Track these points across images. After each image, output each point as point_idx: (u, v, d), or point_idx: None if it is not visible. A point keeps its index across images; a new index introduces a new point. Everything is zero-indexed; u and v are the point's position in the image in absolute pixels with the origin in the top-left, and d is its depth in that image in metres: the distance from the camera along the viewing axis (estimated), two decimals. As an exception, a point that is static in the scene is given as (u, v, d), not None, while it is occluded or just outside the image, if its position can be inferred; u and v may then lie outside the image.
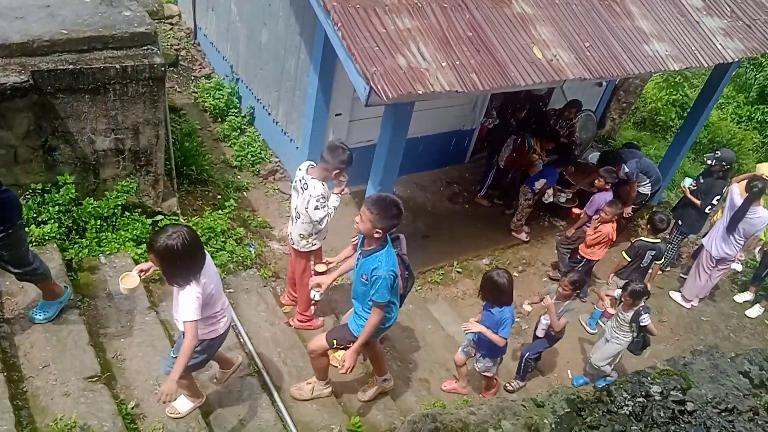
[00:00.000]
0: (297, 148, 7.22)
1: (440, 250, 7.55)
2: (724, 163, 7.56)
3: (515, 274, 7.70)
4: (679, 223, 8.02)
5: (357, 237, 4.53)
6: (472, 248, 7.76)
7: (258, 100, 7.99)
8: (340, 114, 7.06)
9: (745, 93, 15.59)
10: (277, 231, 6.96)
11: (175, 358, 3.72)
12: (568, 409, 2.35)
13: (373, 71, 4.64)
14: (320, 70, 6.23)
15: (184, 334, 3.63)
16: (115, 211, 5.55)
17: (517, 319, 7.06)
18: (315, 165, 4.88)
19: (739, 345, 7.44)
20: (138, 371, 4.53)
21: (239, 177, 7.54)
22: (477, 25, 5.46)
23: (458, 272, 7.39)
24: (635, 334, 5.80)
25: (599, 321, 7.03)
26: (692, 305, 7.91)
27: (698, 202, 7.65)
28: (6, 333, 4.42)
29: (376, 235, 4.01)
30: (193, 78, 8.85)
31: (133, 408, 4.26)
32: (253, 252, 6.26)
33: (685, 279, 8.06)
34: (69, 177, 5.32)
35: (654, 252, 6.65)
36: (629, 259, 6.72)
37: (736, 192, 7.15)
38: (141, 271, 3.93)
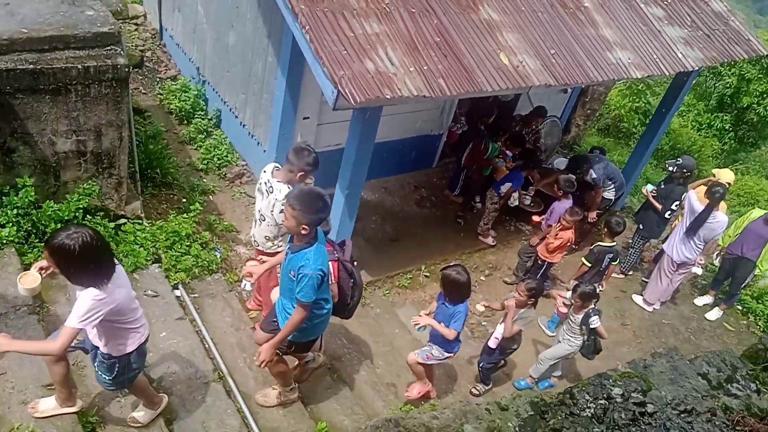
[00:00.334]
0: (264, 151, 7.17)
1: (408, 254, 7.57)
2: (685, 170, 7.75)
3: (482, 278, 7.77)
4: (641, 227, 8.20)
5: None
6: (440, 252, 7.79)
7: (225, 102, 7.91)
8: (308, 117, 7.03)
9: (705, 101, 16.03)
10: (244, 235, 6.89)
11: (110, 378, 3.68)
12: (532, 412, 2.37)
13: (341, 75, 4.64)
14: (288, 73, 6.20)
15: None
16: (77, 214, 5.43)
17: (483, 323, 7.13)
18: (280, 167, 4.85)
19: (699, 347, 7.61)
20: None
21: (205, 180, 7.45)
22: (445, 30, 5.50)
23: (426, 276, 7.41)
24: (586, 337, 5.87)
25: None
26: (654, 308, 8.07)
27: (660, 207, 7.83)
28: (-40, 340, 4.28)
29: (303, 232, 3.84)
30: (158, 80, 8.73)
31: (93, 416, 4.17)
32: (218, 256, 6.19)
33: (647, 283, 8.21)
34: (28, 179, 5.19)
35: (611, 255, 6.85)
36: (589, 265, 6.85)
37: (694, 198, 7.32)
38: (41, 269, 3.61)
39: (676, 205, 7.76)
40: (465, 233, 8.22)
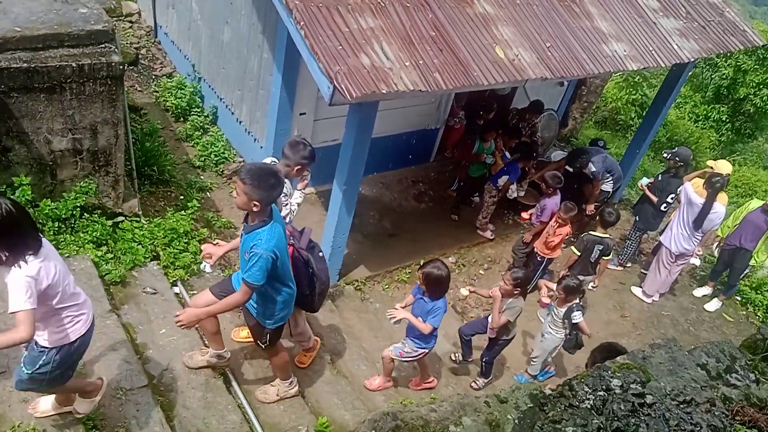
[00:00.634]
0: (261, 147, 7.16)
1: (406, 249, 7.57)
2: (677, 159, 7.76)
3: (480, 272, 7.78)
4: (637, 219, 8.20)
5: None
6: (438, 247, 7.80)
7: (221, 99, 7.90)
8: (305, 113, 7.02)
9: (701, 92, 16.03)
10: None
11: (28, 372, 3.40)
12: (531, 404, 2.38)
13: (337, 70, 4.63)
14: (284, 69, 6.19)
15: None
16: (74, 212, 5.42)
17: (482, 315, 7.13)
18: (277, 161, 4.84)
19: (698, 338, 7.64)
20: (98, 376, 4.42)
21: (202, 177, 7.44)
22: (440, 24, 5.49)
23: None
24: (567, 331, 5.87)
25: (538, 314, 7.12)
26: (653, 300, 8.09)
27: (655, 199, 7.84)
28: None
29: (254, 209, 3.70)
30: (154, 77, 8.70)
31: (94, 413, 4.17)
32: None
33: (645, 275, 8.23)
34: (25, 178, 5.18)
35: (602, 247, 6.80)
36: (578, 253, 6.87)
37: (691, 190, 7.33)
38: None
39: (671, 198, 7.76)
40: (463, 227, 8.22)
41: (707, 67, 15.74)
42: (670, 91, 8.55)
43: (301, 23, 4.77)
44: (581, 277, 6.93)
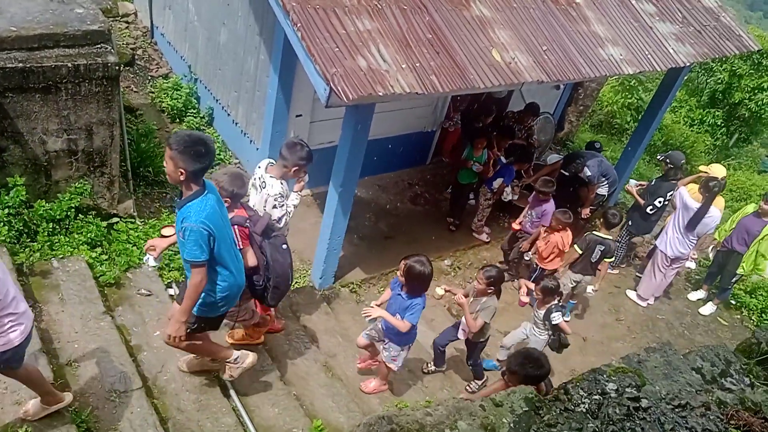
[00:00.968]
0: (257, 149, 7.15)
1: (402, 252, 7.49)
2: (668, 161, 7.78)
3: (476, 274, 7.77)
4: (629, 223, 8.20)
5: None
6: (434, 249, 7.79)
7: (217, 100, 7.89)
8: (301, 115, 7.02)
9: (697, 97, 16.08)
10: (237, 233, 6.86)
11: None
12: (526, 408, 2.37)
13: (333, 72, 4.63)
14: (280, 71, 6.18)
15: None
16: (68, 213, 5.40)
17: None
18: (274, 163, 4.84)
19: (693, 342, 7.65)
20: (93, 377, 4.41)
21: (198, 179, 7.41)
22: (436, 27, 5.49)
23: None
24: (550, 333, 5.87)
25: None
26: (648, 303, 8.11)
27: (642, 202, 7.86)
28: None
29: (181, 177, 3.51)
30: (150, 78, 8.69)
31: (87, 415, 4.15)
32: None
33: (640, 278, 8.24)
34: (19, 178, 5.16)
35: (603, 247, 6.76)
36: (580, 252, 6.86)
37: (686, 194, 7.35)
38: None
39: (659, 201, 7.75)
40: (459, 230, 8.22)
41: (703, 71, 15.80)
42: (666, 95, 8.58)
43: (298, 25, 4.77)
44: (579, 277, 7.00)
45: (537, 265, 7.10)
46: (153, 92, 8.39)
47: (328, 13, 4.97)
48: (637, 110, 13.39)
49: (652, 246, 8.38)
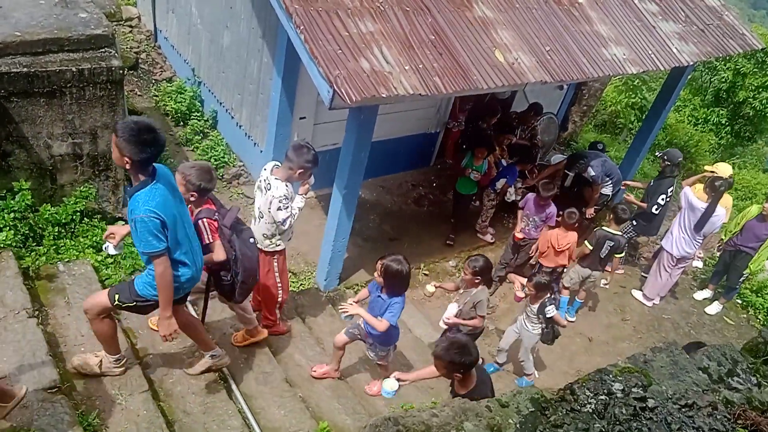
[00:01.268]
0: (261, 151, 7.16)
1: (407, 253, 7.47)
2: (666, 158, 7.81)
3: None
4: (634, 223, 8.17)
5: None
6: (439, 251, 7.79)
7: (221, 103, 7.90)
8: (305, 117, 7.03)
9: (701, 96, 16.02)
10: (242, 236, 6.88)
11: None
12: (533, 409, 2.37)
13: (337, 74, 4.63)
14: (283, 73, 6.20)
15: None
16: (74, 217, 5.42)
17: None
18: (280, 165, 4.84)
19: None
20: (99, 381, 4.42)
21: (202, 182, 7.43)
22: (439, 28, 5.49)
23: (425, 275, 7.41)
24: (544, 325, 5.93)
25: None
26: (654, 303, 8.09)
27: (644, 205, 7.85)
28: (-41, 345, 4.28)
29: (127, 166, 3.47)
30: (153, 81, 8.71)
31: (94, 419, 4.16)
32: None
33: (646, 278, 8.23)
34: (25, 183, 5.18)
35: (612, 243, 6.82)
36: (591, 248, 6.89)
37: (691, 194, 7.34)
38: None
39: (662, 199, 7.76)
40: (463, 231, 8.21)
41: (706, 70, 15.74)
42: (670, 94, 8.56)
43: (301, 27, 4.78)
44: (588, 272, 7.07)
45: (537, 261, 7.13)
46: (157, 96, 8.41)
47: (331, 16, 4.97)
48: (641, 110, 13.35)
49: (657, 246, 8.36)
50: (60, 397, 4.11)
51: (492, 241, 8.23)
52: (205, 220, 4.27)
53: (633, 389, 2.57)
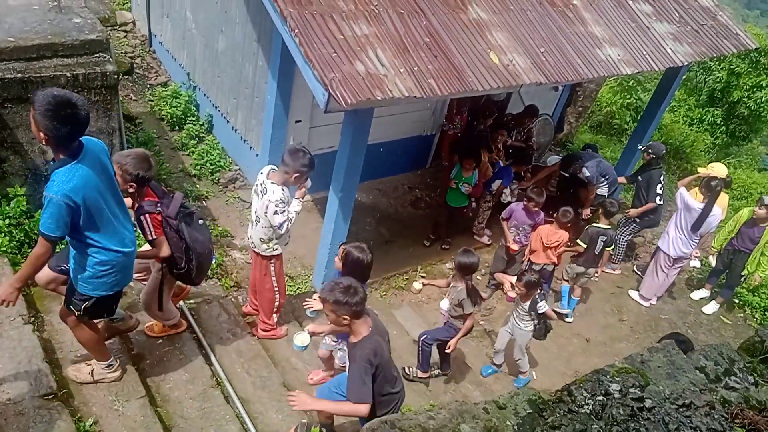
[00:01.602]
0: (257, 155, 7.16)
1: (404, 255, 7.56)
2: (651, 151, 7.87)
3: (478, 277, 7.77)
4: (637, 220, 8.17)
5: None
6: (436, 253, 7.79)
7: (216, 107, 7.90)
8: (300, 121, 7.03)
9: (695, 96, 16.06)
10: (238, 240, 6.87)
11: None
12: (530, 410, 2.36)
13: (332, 77, 4.63)
14: (278, 77, 6.20)
15: None
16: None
17: (481, 322, 7.13)
18: (276, 169, 4.84)
19: (696, 341, 7.62)
20: (96, 387, 4.40)
21: (198, 186, 7.43)
22: (434, 31, 5.50)
23: (422, 277, 7.41)
24: (536, 322, 5.97)
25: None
26: (651, 303, 8.09)
27: (651, 205, 7.85)
28: (-46, 352, 4.26)
29: (44, 142, 3.28)
30: (148, 86, 8.70)
31: (91, 425, 4.14)
32: (213, 262, 6.16)
33: (642, 278, 8.23)
34: (20, 189, 5.16)
35: (605, 238, 6.91)
36: (584, 246, 6.94)
37: (687, 195, 7.36)
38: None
39: (660, 188, 7.85)
40: (460, 233, 8.21)
41: (701, 70, 15.78)
42: (665, 94, 8.58)
43: (296, 31, 4.78)
44: (582, 269, 7.14)
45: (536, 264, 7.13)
46: (152, 100, 8.40)
47: (326, 19, 4.98)
48: (636, 110, 13.37)
49: (654, 246, 8.37)
50: (57, 404, 4.10)
51: (489, 242, 8.24)
52: (147, 216, 4.12)
53: (630, 389, 2.57)
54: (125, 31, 9.37)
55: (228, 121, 7.70)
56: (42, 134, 3.23)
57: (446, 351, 5.74)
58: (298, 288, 6.55)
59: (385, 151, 8.25)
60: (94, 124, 5.21)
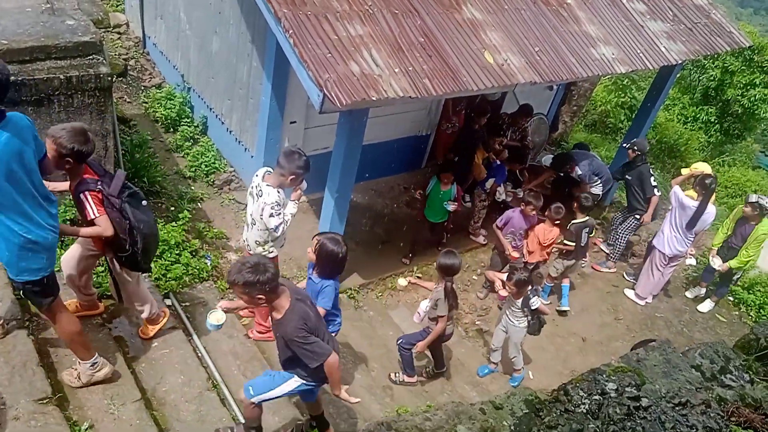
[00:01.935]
0: (252, 156, 7.14)
1: (399, 256, 7.55)
2: (636, 148, 7.93)
3: (474, 277, 7.77)
4: (637, 216, 8.17)
5: None
6: (431, 253, 7.77)
7: (210, 109, 7.88)
8: (295, 122, 7.01)
9: (689, 94, 16.12)
10: (234, 242, 6.85)
11: None
12: (527, 410, 2.36)
13: (326, 78, 4.63)
14: (273, 78, 6.18)
15: None
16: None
17: (477, 322, 7.13)
18: (272, 171, 4.83)
19: (692, 339, 7.65)
20: (91, 391, 4.38)
21: (193, 188, 7.41)
22: (428, 31, 5.50)
23: (418, 277, 7.39)
24: (530, 318, 5.99)
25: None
26: (646, 302, 8.11)
27: (656, 199, 7.90)
28: (-52, 357, 4.23)
29: None
30: (143, 88, 8.68)
31: (86, 430, 4.12)
32: (209, 264, 6.15)
33: (637, 277, 8.24)
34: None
35: (587, 229, 7.07)
36: (572, 245, 7.04)
37: (681, 193, 7.38)
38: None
39: (654, 180, 7.94)
40: (456, 233, 8.21)
41: (695, 68, 15.84)
42: (659, 93, 8.60)
43: (290, 31, 4.77)
44: (572, 262, 7.27)
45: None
46: (146, 102, 8.37)
47: (320, 19, 4.97)
48: (631, 109, 13.41)
49: (648, 244, 8.38)
50: (51, 409, 4.07)
51: (485, 242, 8.23)
52: (87, 193, 3.87)
53: (627, 389, 2.58)
54: (119, 33, 9.34)
55: (223, 123, 7.68)
56: None
57: (400, 345, 5.70)
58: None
59: (381, 152, 8.25)
60: (87, 126, 5.19)
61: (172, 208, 6.79)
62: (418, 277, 7.26)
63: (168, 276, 5.65)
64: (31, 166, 3.49)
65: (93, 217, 3.89)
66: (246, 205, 5.22)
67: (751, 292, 8.60)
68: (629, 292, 8.20)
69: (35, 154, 3.58)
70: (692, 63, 15.11)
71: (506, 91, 8.83)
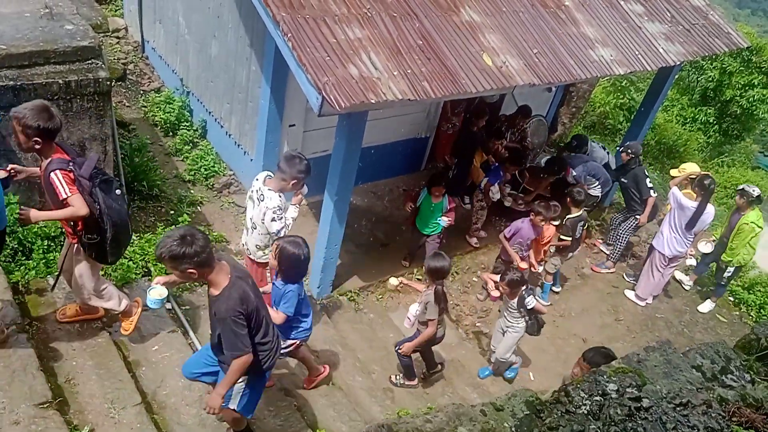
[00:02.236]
0: (251, 160, 7.14)
1: (399, 258, 7.55)
2: (630, 151, 7.95)
3: (474, 278, 7.77)
4: (636, 217, 8.18)
5: None
6: (431, 255, 7.77)
7: (210, 112, 7.88)
8: (294, 125, 7.02)
9: (688, 95, 16.14)
10: (234, 245, 6.85)
11: None
12: (528, 412, 2.36)
13: (325, 81, 4.63)
14: (272, 81, 6.19)
15: None
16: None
17: (477, 324, 7.13)
18: (272, 175, 4.83)
19: (692, 340, 7.65)
20: (91, 395, 4.39)
21: (193, 191, 7.41)
22: (427, 33, 5.50)
23: (418, 279, 7.39)
24: (527, 318, 5.96)
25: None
26: (646, 303, 8.11)
27: (652, 200, 7.87)
28: (-52, 362, 4.23)
29: None
30: (142, 92, 8.68)
31: (87, 433, 4.13)
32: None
33: (637, 278, 8.24)
34: (13, 197, 5.14)
35: (581, 222, 7.08)
36: (569, 239, 7.04)
37: (680, 194, 7.39)
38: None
39: (650, 182, 7.94)
40: (455, 235, 8.20)
41: (693, 69, 15.87)
42: (657, 94, 8.61)
43: (289, 35, 4.78)
44: (569, 254, 7.30)
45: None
46: (145, 106, 8.38)
47: (318, 23, 4.97)
48: (630, 110, 13.43)
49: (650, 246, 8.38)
50: (52, 413, 4.08)
51: (477, 245, 8.20)
52: (58, 172, 3.72)
53: (627, 389, 2.57)
54: (118, 37, 9.35)
55: (222, 126, 7.68)
56: None
57: (397, 351, 5.65)
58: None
59: (380, 154, 8.25)
60: (87, 131, 5.21)
61: (172, 212, 6.79)
62: (417, 279, 7.26)
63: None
64: None
65: (65, 196, 3.72)
66: (245, 209, 5.22)
67: (751, 292, 8.62)
68: (629, 293, 8.21)
69: None
70: (690, 64, 15.14)
71: (505, 93, 8.84)
